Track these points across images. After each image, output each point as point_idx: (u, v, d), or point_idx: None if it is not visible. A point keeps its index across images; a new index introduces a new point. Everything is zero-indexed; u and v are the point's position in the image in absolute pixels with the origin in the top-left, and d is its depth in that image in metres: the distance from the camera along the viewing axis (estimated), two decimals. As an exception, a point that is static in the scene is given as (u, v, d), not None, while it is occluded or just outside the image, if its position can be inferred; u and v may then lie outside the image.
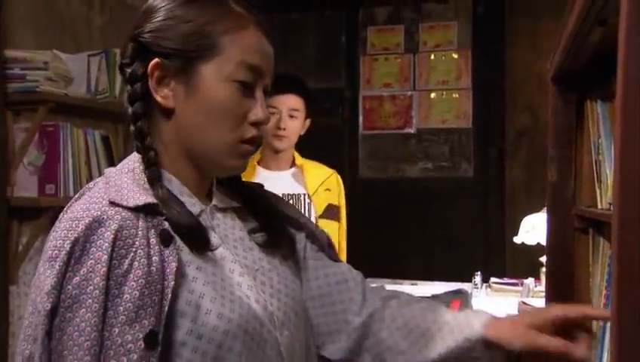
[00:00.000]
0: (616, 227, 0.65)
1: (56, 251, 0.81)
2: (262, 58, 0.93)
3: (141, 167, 0.92)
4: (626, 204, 0.64)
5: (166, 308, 0.81)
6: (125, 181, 0.89)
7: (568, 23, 1.16)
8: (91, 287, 0.79)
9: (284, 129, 2.32)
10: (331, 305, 1.04)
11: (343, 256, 2.48)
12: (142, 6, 0.96)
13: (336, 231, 2.46)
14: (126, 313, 0.79)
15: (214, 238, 0.93)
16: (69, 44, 2.83)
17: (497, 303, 2.73)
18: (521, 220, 2.94)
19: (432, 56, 3.99)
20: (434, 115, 3.99)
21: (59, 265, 0.80)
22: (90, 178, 2.66)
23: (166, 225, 0.86)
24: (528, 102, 3.81)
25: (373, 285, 1.10)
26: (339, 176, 2.51)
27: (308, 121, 2.42)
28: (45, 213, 2.47)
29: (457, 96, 3.95)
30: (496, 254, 3.79)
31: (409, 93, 4.03)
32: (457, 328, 0.96)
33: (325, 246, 1.10)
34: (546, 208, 1.69)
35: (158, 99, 0.91)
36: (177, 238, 0.87)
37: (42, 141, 2.48)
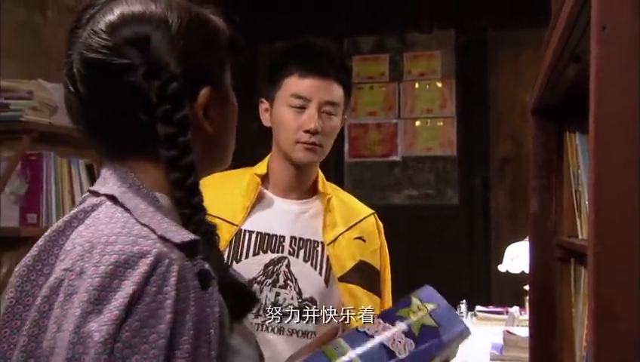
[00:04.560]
0: (592, 262, 0.64)
1: (103, 292, 0.68)
2: None
3: (162, 199, 0.80)
4: (601, 238, 0.63)
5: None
6: (150, 210, 0.77)
7: (545, 58, 1.18)
8: (154, 336, 0.68)
9: (318, 132, 1.42)
10: None
11: None
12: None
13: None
14: None
15: None
16: (54, 74, 2.81)
17: (483, 332, 2.70)
18: (507, 248, 2.94)
19: (417, 85, 4.03)
20: (419, 143, 4.01)
21: (117, 311, 0.67)
22: (73, 207, 2.63)
23: (206, 265, 0.74)
24: (511, 131, 3.84)
25: None
26: (380, 222, 1.59)
27: (344, 119, 1.56)
28: (26, 243, 2.44)
29: (442, 124, 3.98)
30: (481, 282, 3.78)
31: (394, 121, 4.05)
32: None
33: None
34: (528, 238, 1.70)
35: (209, 128, 0.83)
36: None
37: (25, 170, 2.46)
